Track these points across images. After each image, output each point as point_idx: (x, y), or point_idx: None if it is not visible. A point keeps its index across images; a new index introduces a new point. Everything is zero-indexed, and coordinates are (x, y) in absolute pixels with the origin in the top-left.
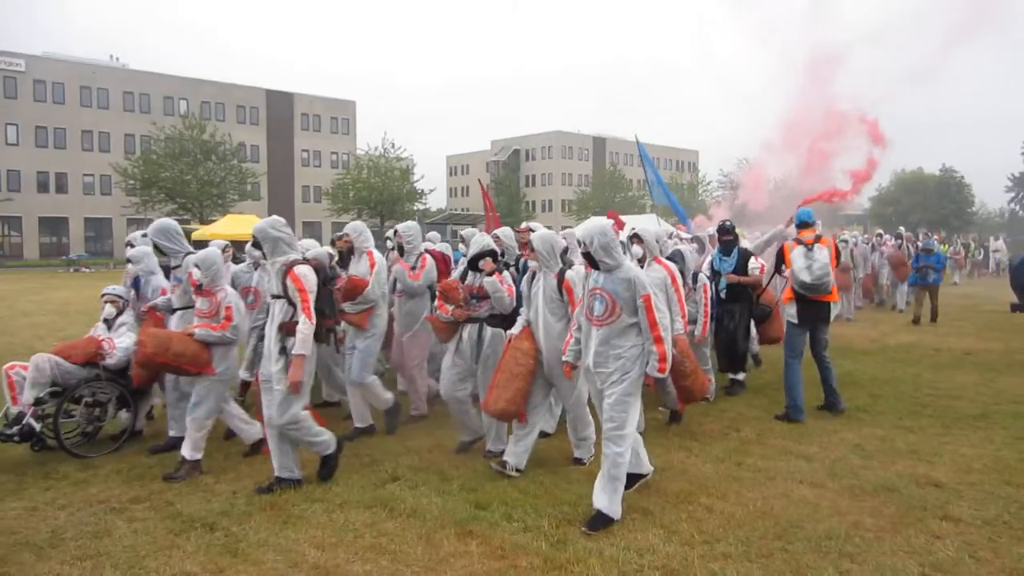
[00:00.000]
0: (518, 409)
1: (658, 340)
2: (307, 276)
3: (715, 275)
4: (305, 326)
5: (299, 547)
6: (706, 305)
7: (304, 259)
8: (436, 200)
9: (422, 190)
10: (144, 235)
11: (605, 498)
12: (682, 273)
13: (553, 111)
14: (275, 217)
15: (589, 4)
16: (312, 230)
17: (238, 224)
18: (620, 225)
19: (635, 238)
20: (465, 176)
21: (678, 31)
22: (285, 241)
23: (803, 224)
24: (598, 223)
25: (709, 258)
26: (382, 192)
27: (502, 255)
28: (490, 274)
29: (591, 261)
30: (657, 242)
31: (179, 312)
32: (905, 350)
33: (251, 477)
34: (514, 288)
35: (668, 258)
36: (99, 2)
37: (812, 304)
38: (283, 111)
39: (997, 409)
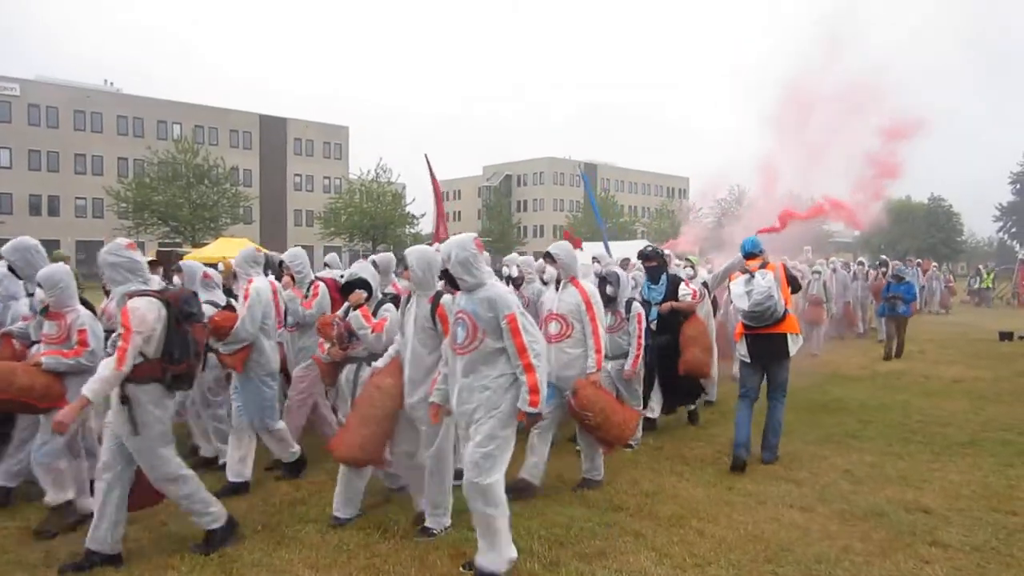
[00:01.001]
0: (371, 457)
1: (528, 368)
2: (139, 311)
3: (646, 305)
4: (107, 371)
5: (293, 568)
6: (639, 336)
7: (151, 291)
8: (427, 224)
9: (413, 214)
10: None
11: (486, 558)
12: (612, 299)
13: (544, 137)
14: (117, 240)
15: (583, 30)
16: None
17: (230, 248)
18: (577, 244)
19: (547, 257)
20: (457, 201)
21: (671, 57)
22: (125, 268)
23: (749, 254)
24: (459, 237)
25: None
26: (374, 217)
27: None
28: (356, 307)
29: (450, 280)
30: (583, 262)
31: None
32: (894, 377)
33: (244, 500)
34: (395, 323)
35: (602, 279)
36: (94, 27)
37: (762, 338)
38: (276, 136)
39: (985, 436)
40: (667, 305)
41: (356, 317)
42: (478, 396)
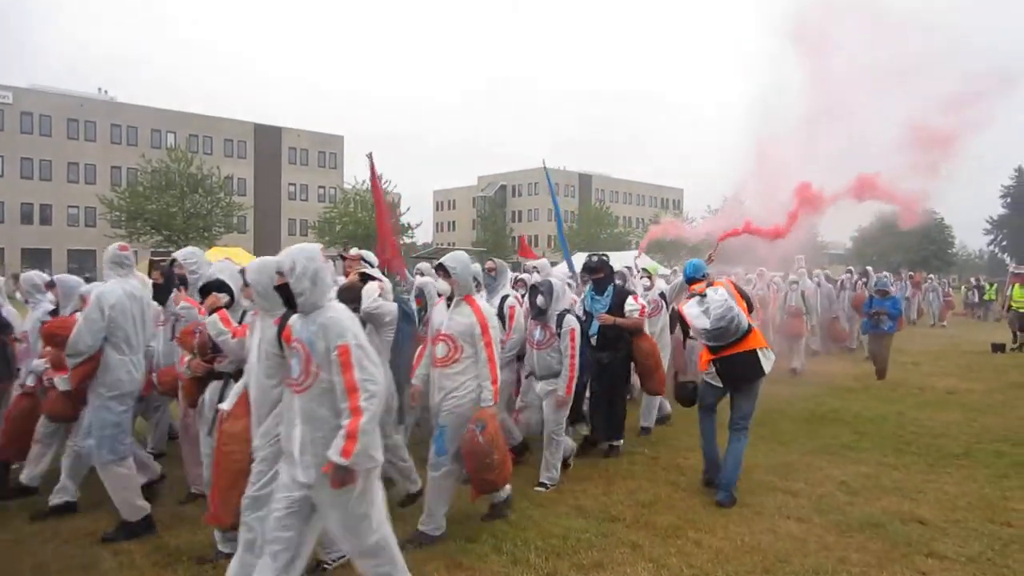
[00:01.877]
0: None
1: (355, 411)
2: None
3: (588, 318)
4: None
5: None
6: (572, 356)
7: None
8: (423, 235)
9: (408, 224)
10: None
11: None
12: (542, 311)
13: (539, 148)
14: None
15: (579, 40)
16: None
17: (223, 257)
18: (530, 255)
19: (440, 270)
20: (452, 211)
21: (669, 68)
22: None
23: (690, 280)
24: (304, 246)
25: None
26: (369, 226)
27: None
28: (214, 311)
29: (287, 296)
30: (484, 277)
31: None
32: (889, 388)
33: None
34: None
35: (532, 289)
36: (88, 35)
37: (731, 359)
38: (271, 145)
39: (980, 448)
40: (608, 317)
41: (213, 322)
42: (318, 449)
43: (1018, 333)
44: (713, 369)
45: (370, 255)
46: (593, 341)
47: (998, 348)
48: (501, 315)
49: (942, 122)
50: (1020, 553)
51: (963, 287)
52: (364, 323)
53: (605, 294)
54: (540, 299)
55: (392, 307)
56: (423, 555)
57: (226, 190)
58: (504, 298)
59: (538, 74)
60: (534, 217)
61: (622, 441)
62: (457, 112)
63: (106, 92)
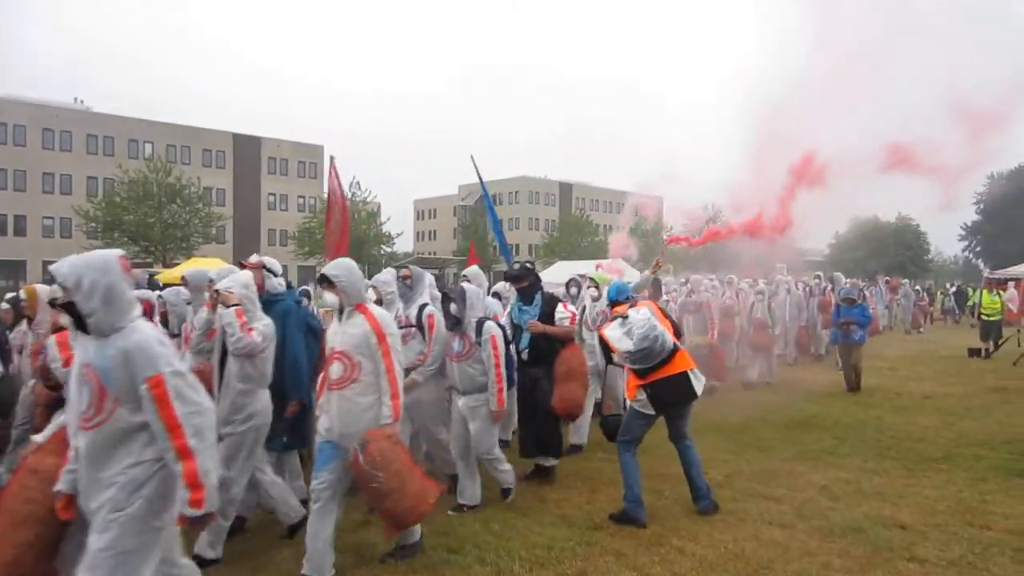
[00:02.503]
0: (26, 573)
1: (184, 453)
2: None
3: (516, 330)
4: None
5: None
6: (497, 364)
7: None
8: (403, 244)
9: (389, 233)
10: None
11: None
12: (458, 320)
13: (520, 157)
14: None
15: (561, 50)
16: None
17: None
18: (473, 261)
19: (323, 281)
20: (433, 220)
21: (647, 78)
22: None
23: (613, 303)
24: (97, 254)
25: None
26: (349, 236)
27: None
28: (56, 331)
29: (74, 315)
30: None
31: None
32: (867, 394)
33: None
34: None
35: (444, 296)
36: (63, 45)
37: (661, 383)
38: (250, 155)
39: (958, 452)
40: (539, 325)
41: (51, 344)
42: (101, 495)
43: (989, 342)
44: (644, 396)
45: (274, 263)
46: (524, 356)
47: (974, 353)
48: (420, 326)
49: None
50: (1000, 556)
51: (939, 293)
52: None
53: (533, 303)
54: (453, 307)
55: (262, 333)
56: (405, 567)
57: (205, 200)
58: (422, 307)
59: (520, 74)
60: (515, 226)
61: (556, 462)
62: (438, 119)
63: (82, 102)
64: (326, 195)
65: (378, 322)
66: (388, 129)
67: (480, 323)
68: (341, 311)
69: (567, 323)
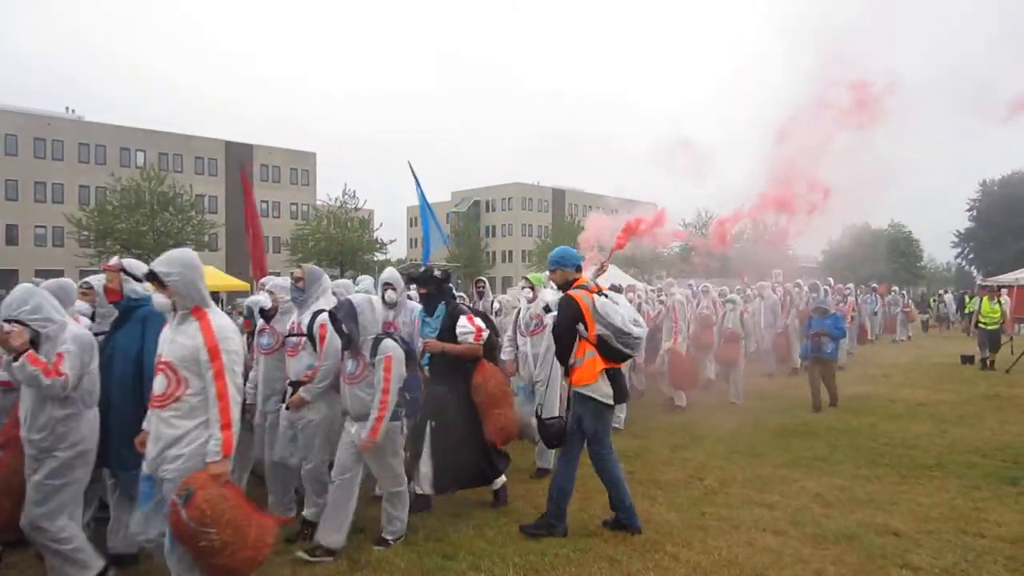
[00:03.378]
0: None
1: None
2: None
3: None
4: None
5: None
6: (384, 391)
7: None
8: (396, 251)
9: (381, 240)
10: None
11: None
12: (348, 337)
13: (513, 163)
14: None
15: (551, 54)
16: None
17: None
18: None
19: (151, 278)
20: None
21: (640, 83)
22: None
23: (559, 266)
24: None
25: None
26: (342, 243)
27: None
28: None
29: None
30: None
31: None
32: (860, 401)
33: None
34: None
35: (330, 314)
36: (55, 53)
37: (616, 374)
38: (242, 162)
39: (951, 459)
40: (436, 343)
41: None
42: None
43: (987, 352)
44: (609, 389)
45: (135, 265)
46: (426, 372)
47: (967, 360)
48: (311, 335)
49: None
50: (993, 564)
51: (932, 299)
52: None
53: (435, 314)
54: (344, 325)
55: (73, 356)
56: (399, 573)
57: (197, 208)
58: (316, 314)
59: (512, 82)
60: (508, 232)
61: (498, 483)
62: (430, 126)
63: (73, 111)
64: (318, 202)
65: (214, 333)
66: (380, 136)
67: (377, 340)
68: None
69: (471, 339)
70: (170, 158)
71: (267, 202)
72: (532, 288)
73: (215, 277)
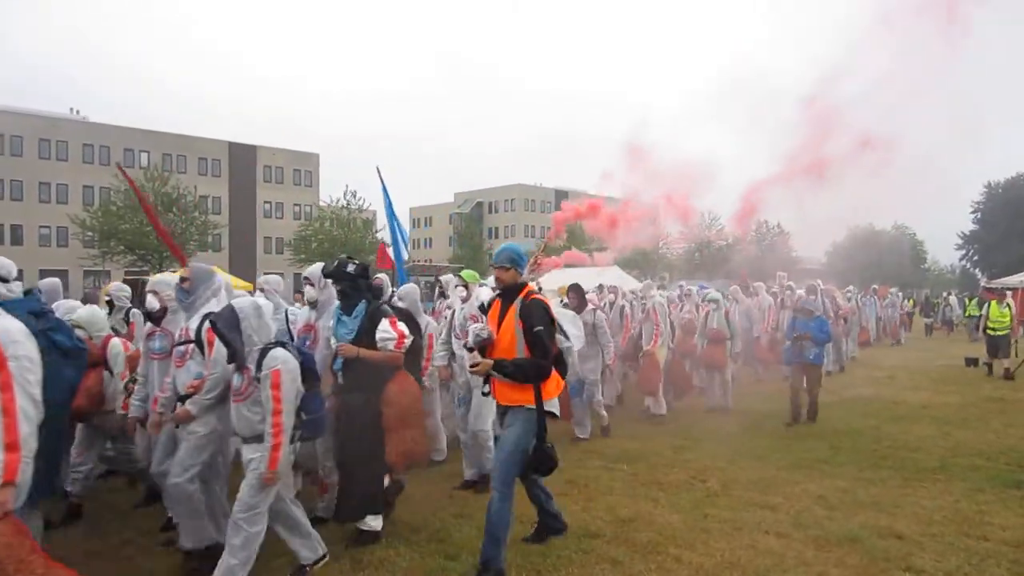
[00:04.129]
0: None
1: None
2: None
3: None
4: None
5: None
6: (276, 412)
7: None
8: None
9: (384, 241)
10: None
11: None
12: (232, 351)
13: (515, 164)
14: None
15: (551, 54)
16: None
17: None
18: (387, 264)
19: None
20: (428, 228)
21: (642, 82)
22: None
23: (505, 267)
24: None
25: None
26: (345, 243)
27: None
28: None
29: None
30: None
31: None
32: (864, 403)
33: None
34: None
35: (211, 322)
36: (55, 53)
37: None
38: (246, 163)
39: (955, 462)
40: (351, 348)
41: None
42: None
43: (993, 359)
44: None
45: (3, 264)
46: (340, 379)
47: (971, 362)
48: (199, 341)
49: None
50: (996, 567)
51: (935, 301)
52: None
53: (354, 314)
54: (225, 334)
55: None
56: (401, 573)
57: (201, 209)
58: (206, 317)
59: (512, 82)
60: (511, 233)
61: (380, 522)
62: (434, 127)
63: (78, 112)
64: (321, 203)
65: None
66: (380, 136)
67: (264, 351)
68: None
69: (391, 346)
70: (174, 159)
71: (270, 203)
72: (466, 287)
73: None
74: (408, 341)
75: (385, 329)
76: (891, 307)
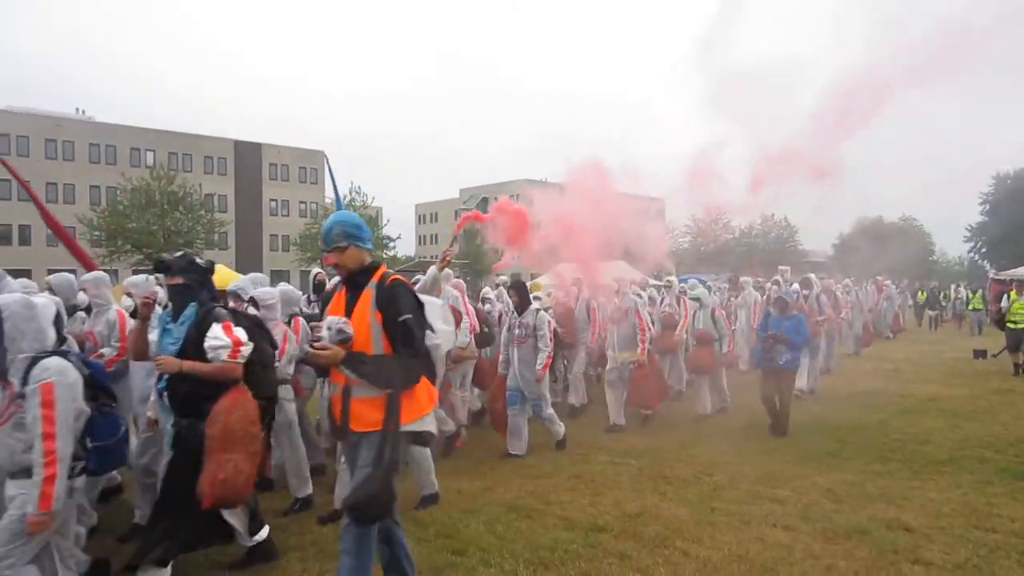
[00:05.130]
0: None
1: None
2: None
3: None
4: None
5: None
6: (46, 436)
7: None
8: (405, 247)
9: (389, 237)
10: None
11: None
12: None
13: (513, 163)
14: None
15: (551, 54)
16: (280, 279)
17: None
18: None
19: None
20: (434, 224)
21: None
22: None
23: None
24: None
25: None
26: None
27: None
28: None
29: None
30: None
31: None
32: (872, 396)
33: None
34: None
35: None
36: (55, 53)
37: None
38: (251, 161)
39: (964, 454)
40: (172, 361)
41: None
42: None
43: (1020, 356)
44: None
45: None
46: (165, 400)
47: (980, 354)
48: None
49: None
50: (1006, 559)
51: (943, 294)
52: None
53: (181, 319)
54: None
55: None
56: None
57: (207, 207)
58: None
59: (512, 81)
60: None
61: (258, 536)
62: (438, 123)
63: (83, 112)
64: (327, 200)
65: None
66: (381, 135)
67: (32, 363)
68: None
69: (224, 356)
70: (179, 158)
71: (276, 200)
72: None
73: (225, 276)
74: (246, 349)
75: (216, 336)
76: (887, 300)
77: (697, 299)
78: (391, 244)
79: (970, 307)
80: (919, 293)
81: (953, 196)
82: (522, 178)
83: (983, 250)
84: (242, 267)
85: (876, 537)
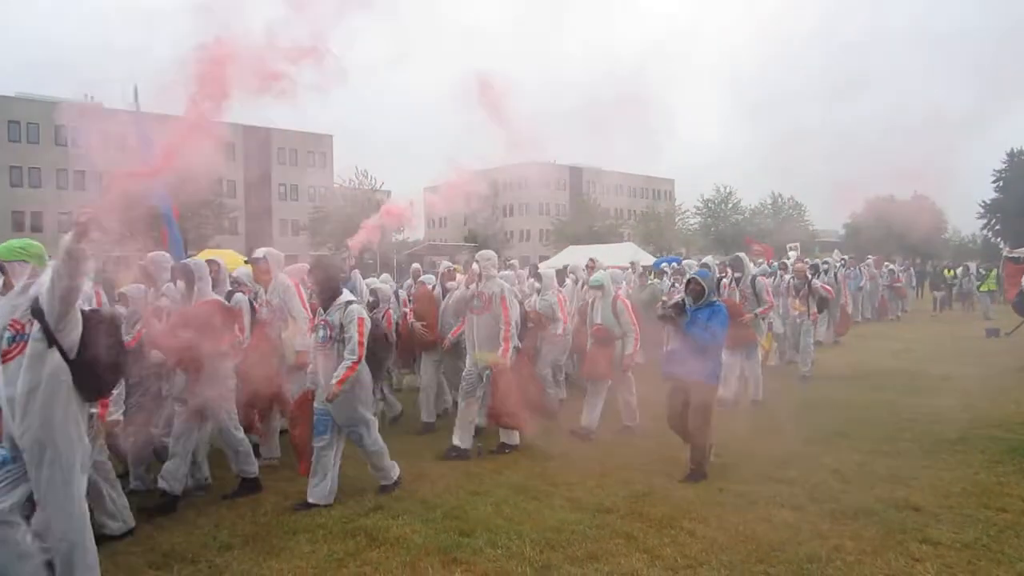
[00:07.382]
0: None
1: None
2: None
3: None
4: None
5: None
6: None
7: None
8: (414, 231)
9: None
10: None
11: None
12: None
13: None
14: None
15: (561, 30)
16: (289, 263)
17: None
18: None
19: None
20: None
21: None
22: None
23: None
24: None
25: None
26: (358, 223)
27: None
28: None
29: None
30: None
31: None
32: (883, 376)
33: (232, 510)
34: None
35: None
36: (73, 41)
37: None
38: (260, 146)
39: (975, 433)
40: None
41: None
42: None
43: None
44: None
45: None
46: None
47: (992, 333)
48: None
49: None
50: (1015, 539)
51: (947, 272)
52: None
53: None
54: None
55: None
56: (416, 550)
57: (215, 192)
58: None
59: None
60: (524, 211)
61: None
62: (445, 107)
63: (92, 98)
64: (335, 184)
65: None
66: (396, 114)
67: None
68: None
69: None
70: None
71: (285, 185)
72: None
73: (234, 260)
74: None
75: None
76: (871, 281)
77: (600, 284)
78: (401, 228)
79: (983, 287)
80: (947, 272)
81: (966, 173)
82: (530, 160)
83: (996, 227)
84: (252, 253)
85: (884, 517)
